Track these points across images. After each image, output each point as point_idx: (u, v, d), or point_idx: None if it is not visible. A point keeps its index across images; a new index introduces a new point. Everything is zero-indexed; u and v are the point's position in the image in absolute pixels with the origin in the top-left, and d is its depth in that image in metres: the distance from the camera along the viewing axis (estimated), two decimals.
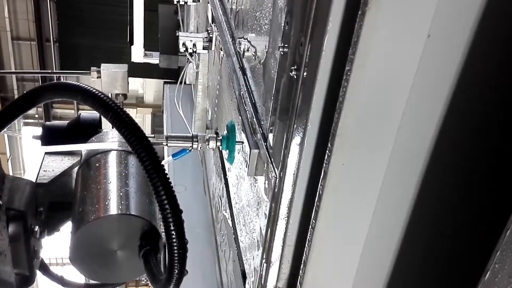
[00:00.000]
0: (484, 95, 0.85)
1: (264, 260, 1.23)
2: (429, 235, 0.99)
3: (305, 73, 0.93)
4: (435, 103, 0.85)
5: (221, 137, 1.38)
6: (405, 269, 1.04)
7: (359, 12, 0.75)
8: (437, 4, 0.74)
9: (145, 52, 4.56)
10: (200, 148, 1.38)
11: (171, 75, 5.72)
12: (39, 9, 9.06)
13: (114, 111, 1.02)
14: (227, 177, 2.14)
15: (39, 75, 9.03)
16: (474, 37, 0.79)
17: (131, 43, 4.58)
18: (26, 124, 10.35)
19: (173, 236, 1.01)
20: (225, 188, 2.19)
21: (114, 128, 1.05)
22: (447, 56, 0.81)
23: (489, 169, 0.89)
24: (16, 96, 9.74)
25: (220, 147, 1.39)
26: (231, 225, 1.98)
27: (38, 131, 1.46)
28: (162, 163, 1.01)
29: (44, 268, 1.42)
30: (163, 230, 1.03)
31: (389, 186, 0.93)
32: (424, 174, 0.92)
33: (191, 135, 1.38)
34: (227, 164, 2.14)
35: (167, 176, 1.01)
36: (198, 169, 3.37)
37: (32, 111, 11.06)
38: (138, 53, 4.57)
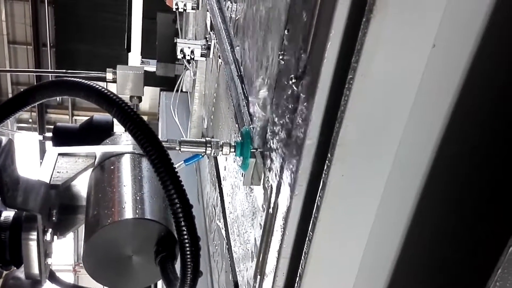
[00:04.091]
0: (489, 106, 0.83)
1: (258, 272, 1.21)
2: (429, 247, 0.97)
3: (305, 81, 0.91)
4: (438, 113, 0.83)
5: (234, 144, 1.35)
6: (404, 284, 1.02)
7: (364, 20, 0.74)
8: (443, 13, 0.73)
9: (142, 59, 4.56)
10: (213, 154, 1.35)
11: (167, 83, 5.71)
12: (36, 14, 9.04)
13: (119, 105, 1.01)
14: (221, 186, 2.12)
15: (36, 74, 8.98)
16: (479, 47, 0.78)
17: (129, 50, 4.58)
18: (19, 128, 10.29)
19: (184, 232, 0.98)
20: (219, 198, 2.17)
21: (116, 119, 1.03)
22: (452, 66, 0.79)
23: (493, 180, 0.87)
24: None
25: (234, 153, 1.36)
26: (224, 235, 1.95)
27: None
28: (170, 159, 0.99)
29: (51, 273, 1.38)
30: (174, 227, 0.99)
31: (389, 198, 0.91)
32: (425, 186, 0.91)
33: (204, 140, 1.35)
34: (222, 173, 2.12)
35: (175, 168, 0.98)
36: (192, 178, 3.34)
37: (26, 115, 11.03)
38: (135, 61, 4.56)
